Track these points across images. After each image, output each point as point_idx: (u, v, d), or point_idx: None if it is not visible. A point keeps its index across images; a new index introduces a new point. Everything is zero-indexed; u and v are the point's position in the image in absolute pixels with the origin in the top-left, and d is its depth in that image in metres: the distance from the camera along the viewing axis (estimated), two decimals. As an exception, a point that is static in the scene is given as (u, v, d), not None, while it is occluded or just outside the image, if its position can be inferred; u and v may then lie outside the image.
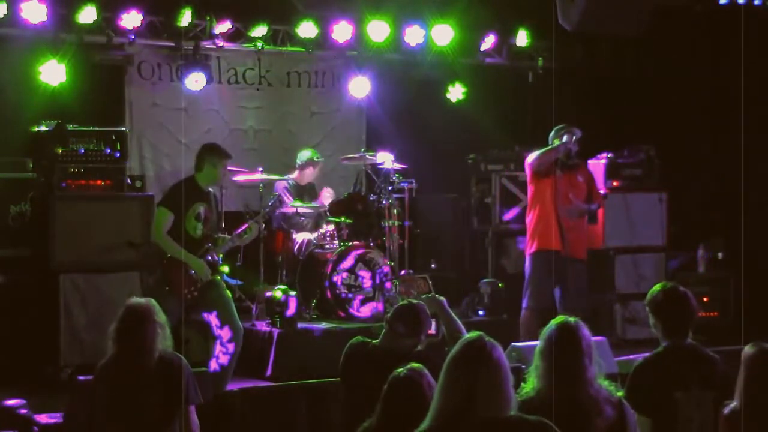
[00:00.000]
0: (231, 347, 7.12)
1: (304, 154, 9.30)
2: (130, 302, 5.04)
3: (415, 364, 4.13)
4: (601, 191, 9.40)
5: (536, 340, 7.08)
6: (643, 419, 4.62)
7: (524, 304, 8.21)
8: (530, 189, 8.36)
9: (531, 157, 8.27)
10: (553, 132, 8.28)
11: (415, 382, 4.04)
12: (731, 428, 4.40)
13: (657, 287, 5.01)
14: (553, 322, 4.27)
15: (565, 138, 8.16)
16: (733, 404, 4.42)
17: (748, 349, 4.46)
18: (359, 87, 10.08)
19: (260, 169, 8.67)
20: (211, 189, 7.31)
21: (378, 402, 4.07)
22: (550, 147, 8.21)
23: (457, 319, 5.41)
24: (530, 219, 8.32)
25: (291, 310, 7.91)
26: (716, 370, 4.80)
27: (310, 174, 9.30)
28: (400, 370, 4.10)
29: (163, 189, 8.72)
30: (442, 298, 5.50)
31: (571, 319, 4.27)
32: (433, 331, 5.43)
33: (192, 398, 4.96)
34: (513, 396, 3.62)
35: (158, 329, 4.92)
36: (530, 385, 4.19)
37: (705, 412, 4.68)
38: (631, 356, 7.55)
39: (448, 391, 3.57)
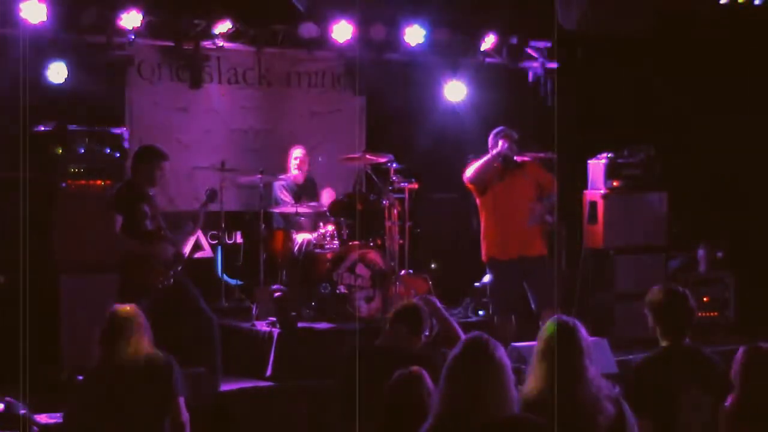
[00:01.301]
0: None
1: (292, 152, 9.33)
2: (113, 308, 5.17)
3: (413, 367, 4.14)
4: (601, 190, 9.39)
5: (511, 342, 7.13)
6: (644, 422, 4.63)
7: (490, 310, 8.29)
8: (476, 201, 8.33)
9: (467, 173, 8.16)
10: (491, 136, 8.20)
11: (415, 383, 4.04)
12: (729, 423, 4.42)
13: (656, 288, 5.03)
14: (550, 322, 4.28)
15: (500, 144, 8.03)
16: (729, 400, 4.45)
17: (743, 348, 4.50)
18: (360, 87, 10.09)
19: (260, 169, 8.71)
20: (150, 190, 7.37)
21: (378, 402, 4.08)
22: (482, 161, 8.08)
23: (452, 319, 5.43)
24: (481, 224, 8.32)
25: None
26: (715, 370, 4.81)
27: (301, 169, 9.30)
28: (399, 372, 4.11)
29: (163, 189, 8.75)
30: (434, 299, 5.52)
31: (568, 319, 4.28)
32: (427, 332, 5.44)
33: (180, 391, 5.06)
34: (515, 396, 3.62)
35: (143, 332, 5.06)
36: (530, 385, 4.19)
37: (704, 413, 4.69)
38: (631, 356, 7.56)
39: (450, 391, 3.57)
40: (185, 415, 5.06)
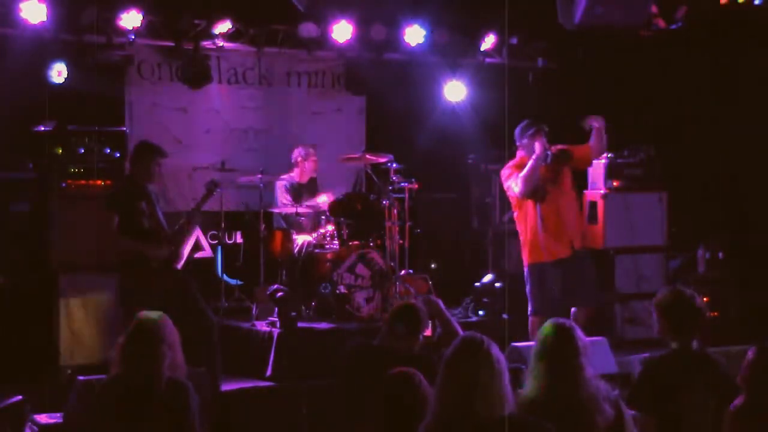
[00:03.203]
0: None
1: (297, 151, 9.31)
2: (140, 318, 4.78)
3: (401, 368, 4.14)
4: (601, 190, 9.39)
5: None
6: (648, 419, 4.64)
7: (529, 309, 7.90)
8: (516, 209, 7.96)
9: (518, 190, 7.71)
10: (519, 133, 7.82)
11: (411, 381, 4.05)
12: (737, 423, 4.43)
13: (665, 289, 5.04)
14: (547, 324, 4.29)
15: (536, 148, 7.62)
16: (738, 402, 4.46)
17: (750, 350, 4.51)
18: (360, 87, 10.09)
19: (260, 169, 8.70)
20: (149, 186, 7.31)
21: (377, 402, 4.08)
22: (527, 173, 7.61)
23: (454, 320, 5.42)
24: (520, 230, 7.97)
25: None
26: (721, 372, 4.81)
27: (307, 169, 9.29)
28: (391, 372, 4.11)
29: (163, 189, 8.77)
30: (437, 300, 5.51)
31: (565, 320, 4.29)
32: (428, 332, 5.43)
33: (194, 423, 4.77)
34: (510, 394, 3.63)
35: (167, 351, 4.68)
36: (529, 386, 4.20)
37: (710, 414, 4.69)
38: (631, 356, 7.56)
39: (445, 390, 3.57)
40: None
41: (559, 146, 7.89)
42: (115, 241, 7.08)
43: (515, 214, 8.03)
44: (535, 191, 7.74)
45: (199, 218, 7.61)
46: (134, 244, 7.05)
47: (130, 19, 8.71)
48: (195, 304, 7.18)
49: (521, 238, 7.98)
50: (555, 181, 7.81)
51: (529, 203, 7.83)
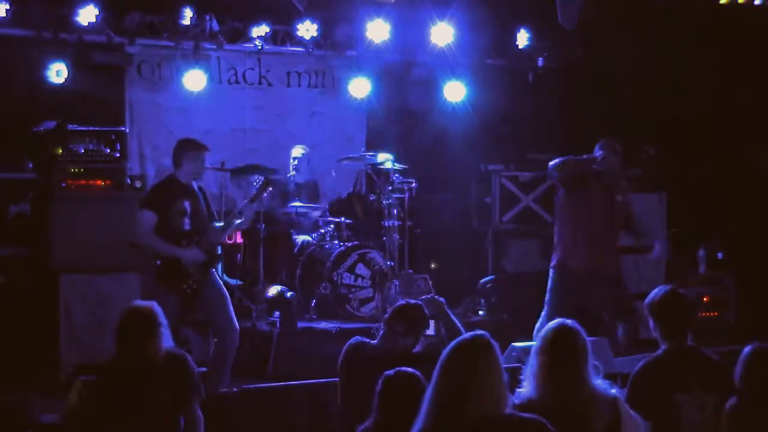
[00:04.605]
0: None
1: (292, 151, 9.34)
2: (131, 305, 5.05)
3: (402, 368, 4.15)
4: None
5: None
6: (648, 423, 4.63)
7: (543, 313, 7.74)
8: (557, 199, 7.94)
9: (552, 162, 7.71)
10: (598, 144, 7.77)
11: (410, 380, 4.05)
12: (733, 422, 4.44)
13: (655, 290, 5.04)
14: (551, 323, 4.30)
15: (597, 152, 7.63)
16: (734, 400, 4.46)
17: (746, 349, 4.51)
18: (359, 87, 10.08)
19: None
20: (194, 183, 7.21)
21: (376, 402, 4.09)
22: (578, 159, 7.65)
23: (457, 320, 5.42)
24: (556, 229, 7.92)
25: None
26: (717, 370, 4.81)
27: (302, 169, 9.31)
28: (390, 371, 4.12)
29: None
30: (441, 299, 5.50)
31: (569, 321, 4.29)
32: (431, 332, 5.43)
33: (199, 394, 5.03)
34: (508, 394, 3.63)
35: (160, 331, 4.92)
36: (527, 385, 4.20)
37: (707, 414, 4.69)
38: (631, 356, 7.55)
39: (442, 389, 3.57)
40: (200, 419, 5.03)
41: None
42: (148, 241, 6.94)
43: (555, 216, 8.01)
44: (567, 172, 7.65)
45: (250, 214, 7.51)
46: (168, 249, 6.91)
47: (130, 19, 8.72)
48: (223, 308, 7.11)
49: (555, 239, 7.89)
50: (602, 197, 7.72)
51: (571, 210, 7.76)
